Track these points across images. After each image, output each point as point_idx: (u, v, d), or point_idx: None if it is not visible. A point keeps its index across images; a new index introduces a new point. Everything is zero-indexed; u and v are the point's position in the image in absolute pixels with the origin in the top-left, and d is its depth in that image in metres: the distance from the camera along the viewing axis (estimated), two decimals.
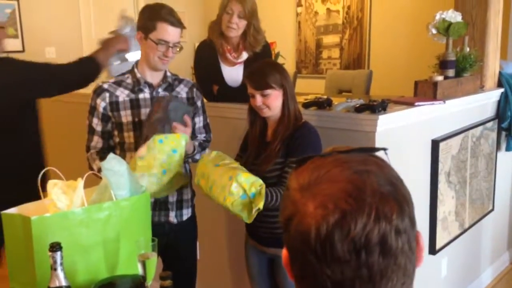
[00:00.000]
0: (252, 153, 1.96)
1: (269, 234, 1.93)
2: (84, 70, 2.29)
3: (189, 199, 2.09)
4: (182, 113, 1.84)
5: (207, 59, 2.52)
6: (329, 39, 5.68)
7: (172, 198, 2.03)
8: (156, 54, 1.87)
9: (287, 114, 1.89)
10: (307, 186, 0.63)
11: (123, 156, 1.98)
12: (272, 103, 1.88)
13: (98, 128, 1.97)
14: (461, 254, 2.85)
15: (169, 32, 1.85)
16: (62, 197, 1.30)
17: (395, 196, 0.63)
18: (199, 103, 2.08)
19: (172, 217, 2.04)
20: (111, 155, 1.42)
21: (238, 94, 2.50)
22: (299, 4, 5.89)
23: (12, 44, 4.91)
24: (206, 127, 2.14)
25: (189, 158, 2.01)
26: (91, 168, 1.95)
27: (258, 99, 1.88)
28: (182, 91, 2.04)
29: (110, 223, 1.38)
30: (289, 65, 5.36)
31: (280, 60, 3.85)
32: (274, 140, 1.90)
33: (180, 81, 2.06)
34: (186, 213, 2.09)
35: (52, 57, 5.24)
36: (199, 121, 2.10)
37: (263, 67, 1.93)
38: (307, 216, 0.61)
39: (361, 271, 0.59)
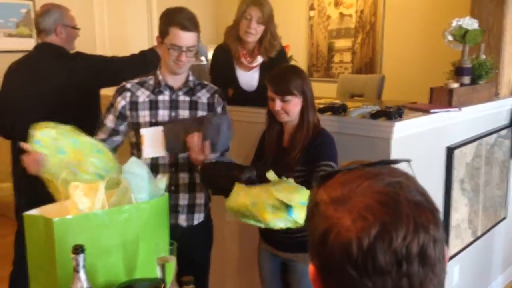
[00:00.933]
0: (270, 159, 1.96)
1: (287, 239, 1.93)
2: (146, 60, 2.59)
3: (202, 204, 2.08)
4: (216, 132, 1.85)
5: (222, 63, 2.54)
6: (341, 43, 5.68)
7: (184, 202, 2.03)
8: (170, 58, 1.89)
9: (306, 122, 1.89)
10: (340, 199, 0.64)
11: (138, 156, 2.00)
12: (291, 109, 1.88)
13: (110, 124, 1.99)
14: (473, 261, 2.84)
15: (180, 37, 1.85)
16: (84, 199, 1.32)
17: (428, 205, 0.65)
18: (219, 109, 2.05)
19: (182, 220, 2.03)
20: (132, 159, 1.44)
21: (253, 98, 2.52)
22: (311, 8, 5.89)
23: (26, 44, 4.96)
24: None
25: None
26: None
27: (278, 104, 1.88)
28: (203, 96, 2.03)
29: (130, 226, 1.40)
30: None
31: (292, 64, 3.87)
32: (293, 147, 1.90)
33: (203, 86, 2.06)
34: (198, 218, 2.07)
35: None
36: None
37: (286, 72, 1.93)
38: (345, 229, 0.61)
39: (401, 282, 0.60)
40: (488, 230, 2.89)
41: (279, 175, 1.87)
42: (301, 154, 1.87)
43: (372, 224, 0.60)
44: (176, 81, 1.99)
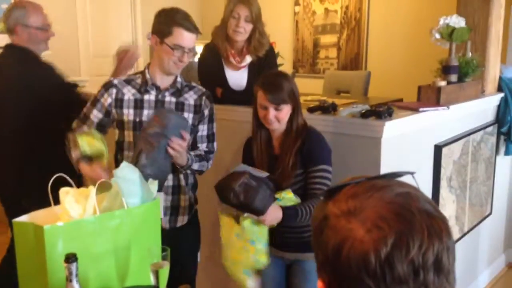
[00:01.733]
0: (264, 168, 1.92)
1: (296, 239, 1.93)
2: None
3: (186, 206, 2.05)
4: (179, 128, 1.79)
5: (211, 62, 2.51)
6: (327, 39, 5.69)
7: (166, 204, 2.00)
8: (171, 59, 1.87)
9: (294, 127, 1.90)
10: (352, 211, 0.64)
11: (121, 154, 1.99)
12: (284, 117, 1.90)
13: (95, 119, 1.97)
14: (459, 257, 2.85)
15: (185, 38, 1.84)
16: (75, 205, 1.29)
17: (438, 214, 0.65)
18: (206, 111, 2.03)
19: (164, 222, 1.99)
20: (124, 164, 1.41)
21: (242, 97, 2.51)
22: (297, 3, 5.88)
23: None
24: (210, 137, 2.08)
25: (187, 169, 1.95)
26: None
27: (272, 113, 1.87)
28: (190, 97, 2.00)
29: (122, 231, 1.37)
30: (287, 65, 5.35)
31: (279, 61, 3.85)
32: (284, 154, 1.89)
33: (191, 88, 2.03)
34: (181, 220, 2.04)
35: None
36: (202, 129, 2.04)
37: (279, 80, 1.91)
38: (360, 240, 0.61)
39: None
40: (475, 226, 2.93)
41: (278, 184, 1.87)
42: (295, 158, 1.87)
43: (388, 234, 0.60)
44: (164, 82, 1.96)
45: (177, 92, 1.99)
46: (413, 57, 4.85)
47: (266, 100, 1.87)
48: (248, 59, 2.49)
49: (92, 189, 1.33)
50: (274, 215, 1.77)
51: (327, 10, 5.64)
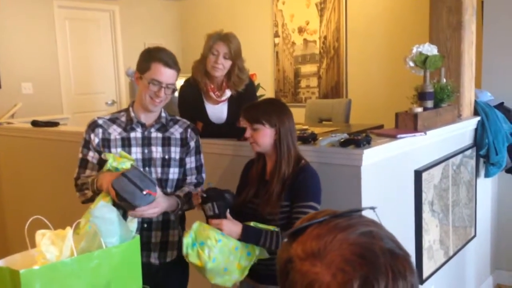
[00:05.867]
0: (252, 190, 1.96)
1: (267, 271, 1.91)
2: None
3: (175, 241, 2.05)
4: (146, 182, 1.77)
5: (191, 96, 2.54)
6: (307, 68, 5.78)
7: (156, 239, 2.00)
8: (148, 93, 1.89)
9: (281, 156, 1.88)
10: (316, 254, 0.63)
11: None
12: (260, 139, 1.89)
13: (93, 160, 1.97)
14: (447, 281, 2.87)
15: (162, 72, 1.87)
16: (51, 248, 1.28)
17: (400, 252, 0.65)
18: (192, 144, 2.06)
19: (154, 258, 2.00)
20: (101, 203, 1.40)
21: (222, 131, 2.52)
22: (276, 35, 5.99)
23: None
24: (199, 168, 2.11)
25: (178, 212, 1.98)
26: (81, 188, 1.93)
27: (248, 131, 1.91)
28: (176, 131, 2.04)
29: (100, 272, 1.35)
30: (268, 95, 5.41)
31: (260, 92, 3.90)
32: (271, 181, 1.89)
33: (176, 121, 2.07)
34: (171, 255, 2.04)
35: (29, 93, 5.19)
36: (190, 161, 2.07)
37: (261, 102, 1.99)
38: (327, 285, 0.61)
39: None
40: (460, 249, 2.94)
41: (257, 208, 1.89)
42: (281, 188, 1.86)
43: (353, 277, 0.60)
44: (148, 118, 1.98)
45: (163, 127, 2.01)
46: (392, 84, 4.94)
47: (242, 118, 1.93)
48: (228, 93, 2.52)
49: (69, 230, 1.31)
50: (230, 225, 1.80)
51: (306, 41, 5.75)
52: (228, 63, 2.44)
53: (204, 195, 1.83)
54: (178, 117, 2.11)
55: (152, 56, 1.89)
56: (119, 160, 1.81)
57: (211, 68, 2.43)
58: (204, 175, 2.13)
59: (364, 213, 0.73)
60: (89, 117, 2.07)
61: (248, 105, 1.96)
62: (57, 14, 5.43)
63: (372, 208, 0.73)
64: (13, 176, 3.85)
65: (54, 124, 3.54)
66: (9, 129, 3.83)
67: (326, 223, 0.67)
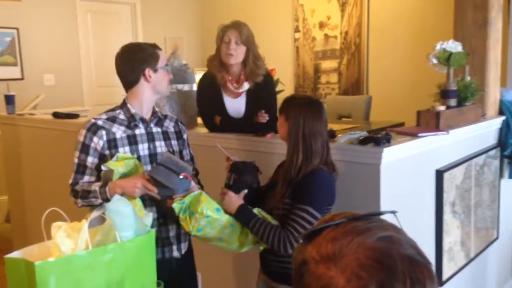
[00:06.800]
0: (269, 182, 1.99)
1: (281, 269, 1.89)
2: None
3: (186, 232, 2.06)
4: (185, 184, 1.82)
5: (209, 90, 2.52)
6: (327, 64, 5.73)
7: (173, 232, 2.01)
8: (168, 77, 1.97)
9: (289, 157, 1.84)
10: (332, 257, 0.61)
11: None
12: (278, 128, 1.93)
13: (93, 166, 1.89)
14: (467, 284, 2.81)
15: (164, 56, 1.98)
16: (67, 240, 1.27)
17: (420, 259, 0.62)
18: (185, 136, 2.10)
19: (175, 251, 2.02)
20: (116, 197, 1.40)
21: (240, 125, 2.50)
22: (297, 30, 5.95)
23: (11, 72, 4.93)
24: (193, 159, 2.15)
25: None
26: (85, 195, 1.87)
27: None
28: (169, 125, 2.06)
29: (115, 266, 1.35)
30: (288, 90, 5.38)
31: (279, 87, 3.87)
32: (279, 178, 1.90)
33: (165, 116, 2.09)
34: (184, 247, 2.07)
35: (51, 84, 5.25)
36: (186, 154, 2.10)
37: (297, 95, 2.03)
38: None
39: None
40: (481, 252, 2.87)
41: (266, 202, 1.92)
42: (286, 187, 1.84)
43: (368, 283, 0.57)
44: (147, 113, 1.98)
45: (159, 121, 2.02)
46: (414, 81, 4.86)
47: None
48: (246, 85, 2.49)
49: (84, 223, 1.31)
50: (233, 199, 1.86)
51: (326, 36, 5.69)
52: (241, 49, 2.41)
53: (233, 160, 1.95)
54: (163, 113, 2.12)
55: (152, 49, 1.94)
56: (122, 164, 1.80)
57: (225, 56, 2.41)
58: (196, 166, 2.14)
59: (384, 216, 0.70)
60: (103, 111, 2.00)
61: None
62: (79, 7, 5.47)
63: (393, 212, 0.70)
64: (34, 167, 3.90)
65: (75, 116, 3.56)
66: (31, 120, 3.87)
67: (344, 225, 0.65)
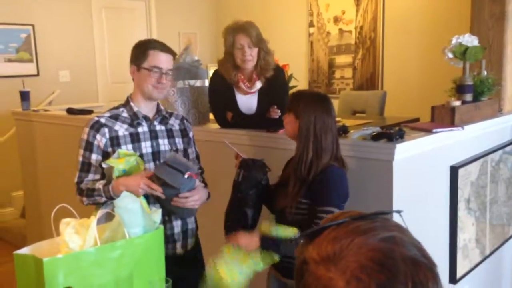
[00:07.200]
0: (279, 179, 1.96)
1: (292, 265, 1.87)
2: None
3: (193, 228, 2.07)
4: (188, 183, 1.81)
5: (221, 87, 2.52)
6: (342, 59, 5.67)
7: (178, 229, 2.00)
8: (149, 82, 1.87)
9: (299, 154, 1.82)
10: (332, 258, 0.59)
11: None
12: (285, 125, 1.90)
13: (97, 164, 1.90)
14: (482, 281, 2.77)
15: (161, 58, 1.86)
16: (75, 237, 1.28)
17: (424, 260, 0.60)
18: (190, 134, 2.08)
19: (179, 248, 2.01)
20: (124, 193, 1.40)
21: (252, 121, 2.49)
22: (311, 25, 5.90)
23: (27, 68, 4.98)
24: (199, 157, 2.12)
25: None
26: (90, 193, 1.88)
27: (285, 117, 1.90)
28: (175, 123, 2.04)
29: (123, 262, 1.35)
30: (302, 85, 5.34)
31: (293, 82, 3.84)
32: (290, 177, 1.86)
33: (171, 114, 2.07)
34: (190, 243, 2.06)
35: (67, 80, 5.29)
36: (191, 152, 2.08)
37: (305, 91, 2.01)
38: None
39: None
40: (497, 249, 2.82)
41: (277, 201, 1.86)
42: (300, 185, 1.80)
43: (367, 286, 0.55)
44: (150, 111, 1.97)
45: (164, 119, 2.00)
46: (429, 76, 4.79)
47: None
48: (258, 85, 2.48)
49: (93, 220, 1.31)
50: (247, 239, 1.75)
51: (341, 31, 5.63)
52: (255, 51, 2.41)
53: (242, 157, 1.94)
54: (169, 110, 2.10)
55: (146, 46, 1.89)
56: (123, 161, 1.80)
57: (242, 62, 2.41)
58: (201, 164, 2.13)
59: (396, 220, 0.67)
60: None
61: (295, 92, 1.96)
62: (94, 3, 5.50)
63: (398, 212, 0.68)
64: (49, 163, 3.94)
65: (88, 112, 3.58)
66: (45, 116, 3.91)
67: (346, 225, 0.63)
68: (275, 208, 1.91)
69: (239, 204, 1.92)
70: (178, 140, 2.01)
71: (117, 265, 1.34)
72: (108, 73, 5.70)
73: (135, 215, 1.38)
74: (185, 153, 2.03)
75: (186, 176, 1.73)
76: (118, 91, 5.73)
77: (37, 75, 5.08)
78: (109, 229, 1.38)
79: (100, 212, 1.34)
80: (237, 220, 1.92)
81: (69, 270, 1.26)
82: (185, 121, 2.08)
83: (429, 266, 0.59)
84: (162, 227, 1.47)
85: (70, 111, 3.62)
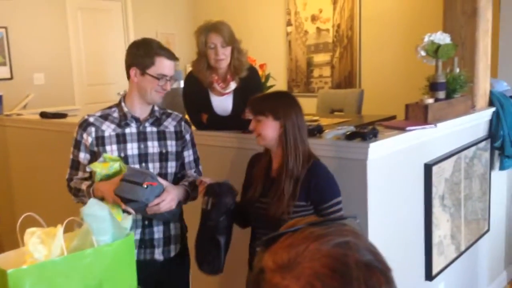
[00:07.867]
0: (258, 189, 1.87)
1: None
2: None
3: (178, 234, 2.03)
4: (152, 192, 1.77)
5: (196, 88, 2.49)
6: (320, 57, 5.69)
7: (159, 235, 1.98)
8: (154, 88, 1.86)
9: (289, 152, 1.78)
10: (287, 265, 0.59)
11: None
12: (263, 131, 1.80)
13: (86, 162, 1.92)
14: (458, 277, 2.80)
15: (167, 66, 1.86)
16: (40, 247, 1.25)
17: (378, 265, 0.60)
18: (187, 137, 2.04)
19: (158, 254, 1.98)
20: (92, 201, 1.37)
21: (227, 123, 2.48)
22: (289, 24, 5.90)
23: (0, 72, 4.88)
24: (197, 161, 2.09)
25: (191, 200, 1.99)
26: (76, 193, 1.92)
27: (252, 123, 1.83)
28: (170, 125, 2.00)
29: (92, 271, 1.32)
30: (281, 84, 5.35)
31: (270, 82, 3.84)
32: (279, 179, 1.79)
33: (168, 115, 2.03)
34: (174, 249, 2.02)
35: (41, 83, 5.21)
36: (188, 155, 2.05)
37: (269, 94, 1.94)
38: None
39: None
40: (472, 244, 2.86)
41: (269, 208, 1.81)
42: (293, 187, 1.76)
43: None
44: (143, 112, 1.95)
45: (157, 121, 1.97)
46: (407, 74, 4.83)
47: (247, 109, 1.87)
48: (232, 85, 2.46)
49: (59, 229, 1.29)
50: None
51: (319, 29, 5.65)
52: (228, 51, 2.39)
53: (207, 182, 1.86)
54: (169, 110, 2.06)
55: (153, 51, 1.85)
56: (107, 166, 1.79)
57: (215, 62, 2.39)
58: (200, 168, 2.10)
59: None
60: (100, 108, 2.01)
61: (254, 96, 1.89)
62: (69, 4, 5.42)
63: (354, 217, 0.68)
64: (22, 168, 3.87)
65: (62, 115, 3.53)
66: (18, 120, 3.84)
67: (301, 231, 0.62)
68: (267, 217, 1.83)
69: (211, 233, 1.87)
70: (170, 143, 1.97)
71: (86, 274, 1.31)
72: (85, 75, 5.62)
73: (104, 222, 1.35)
74: (178, 156, 1.99)
75: (145, 186, 1.70)
76: (95, 93, 5.66)
77: (11, 78, 4.99)
78: (77, 238, 1.35)
79: (67, 220, 1.31)
80: (209, 251, 1.88)
81: (35, 281, 1.23)
82: (182, 123, 2.03)
83: (383, 271, 0.59)
84: (132, 233, 1.44)
85: (44, 115, 3.56)
